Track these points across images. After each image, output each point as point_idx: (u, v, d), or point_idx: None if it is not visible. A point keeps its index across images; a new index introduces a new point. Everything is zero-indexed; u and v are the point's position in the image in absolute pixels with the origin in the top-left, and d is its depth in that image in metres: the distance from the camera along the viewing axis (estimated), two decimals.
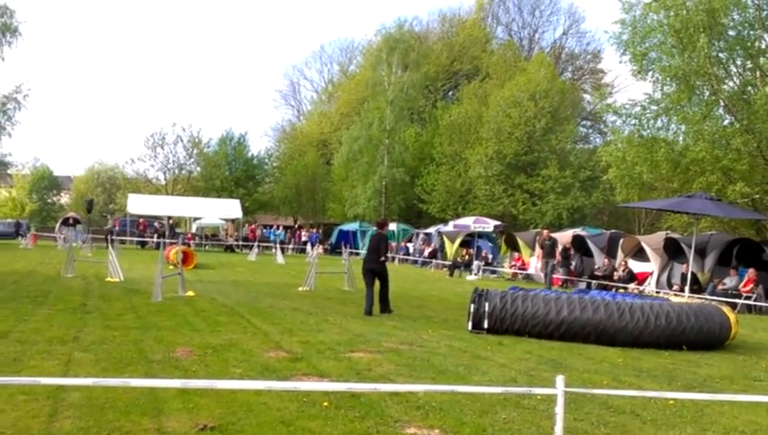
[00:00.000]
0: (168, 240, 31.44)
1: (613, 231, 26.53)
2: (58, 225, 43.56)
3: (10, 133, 40.09)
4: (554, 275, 22.42)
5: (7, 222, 50.20)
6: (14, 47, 39.40)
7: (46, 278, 16.06)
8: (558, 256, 22.74)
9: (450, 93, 55.48)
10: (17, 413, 4.98)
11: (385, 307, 12.37)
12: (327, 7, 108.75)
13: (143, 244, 38.61)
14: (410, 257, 34.93)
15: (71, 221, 42.48)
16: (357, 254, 37.21)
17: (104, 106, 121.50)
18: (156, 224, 41.58)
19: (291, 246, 41.26)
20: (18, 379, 5.15)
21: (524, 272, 26.40)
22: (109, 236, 36.31)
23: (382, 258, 12.75)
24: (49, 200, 70.32)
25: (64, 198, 72.64)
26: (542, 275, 23.70)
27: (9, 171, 48.68)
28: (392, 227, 39.88)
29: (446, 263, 29.51)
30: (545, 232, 23.82)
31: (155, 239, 37.64)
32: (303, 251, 40.08)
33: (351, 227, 43.54)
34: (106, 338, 8.12)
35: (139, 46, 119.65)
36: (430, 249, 33.52)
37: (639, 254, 22.32)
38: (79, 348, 7.44)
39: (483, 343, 9.38)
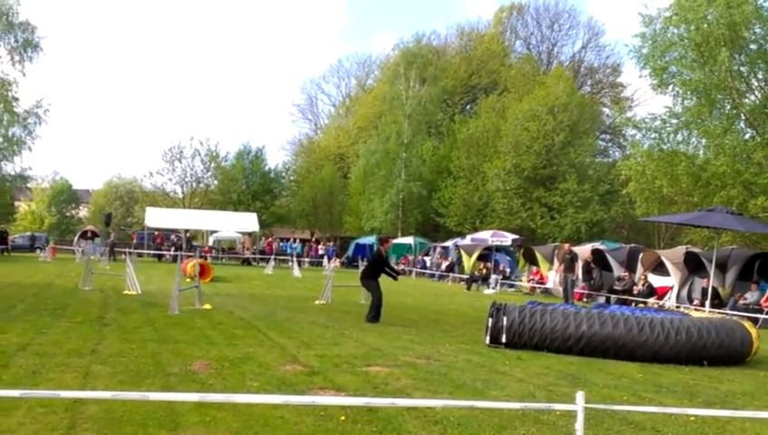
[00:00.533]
0: (185, 253, 31.58)
1: (633, 245, 26.27)
2: (76, 238, 43.90)
3: (30, 147, 40.66)
4: (575, 290, 22.22)
5: (26, 235, 50.85)
6: (35, 62, 40.14)
7: (65, 291, 16.15)
8: (578, 271, 22.53)
9: (468, 107, 55.55)
10: (36, 426, 4.99)
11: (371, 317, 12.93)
12: (345, 21, 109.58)
13: (160, 257, 38.82)
14: (427, 271, 34.84)
15: (89, 234, 42.77)
16: None
17: (123, 120, 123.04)
18: (173, 237, 41.84)
19: (307, 260, 41.28)
20: (38, 392, 5.19)
21: (543, 286, 26.21)
22: (113, 249, 36.62)
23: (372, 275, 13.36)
24: (68, 214, 71.07)
25: (83, 212, 73.39)
26: (560, 289, 23.51)
27: (29, 185, 49.21)
28: (409, 240, 39.88)
29: (464, 277, 29.39)
30: (566, 246, 23.64)
31: (172, 252, 37.86)
32: (320, 264, 40.11)
33: (368, 240, 43.46)
34: (124, 351, 8.14)
35: (157, 61, 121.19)
36: (447, 263, 33.42)
37: (659, 268, 22.07)
38: (97, 361, 7.46)
39: (501, 358, 9.29)
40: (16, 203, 59.84)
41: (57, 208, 69.35)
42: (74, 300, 14.02)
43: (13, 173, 41.56)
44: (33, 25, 40.00)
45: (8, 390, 5.40)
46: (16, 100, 39.33)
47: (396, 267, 17.58)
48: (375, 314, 12.92)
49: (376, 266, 13.46)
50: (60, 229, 65.21)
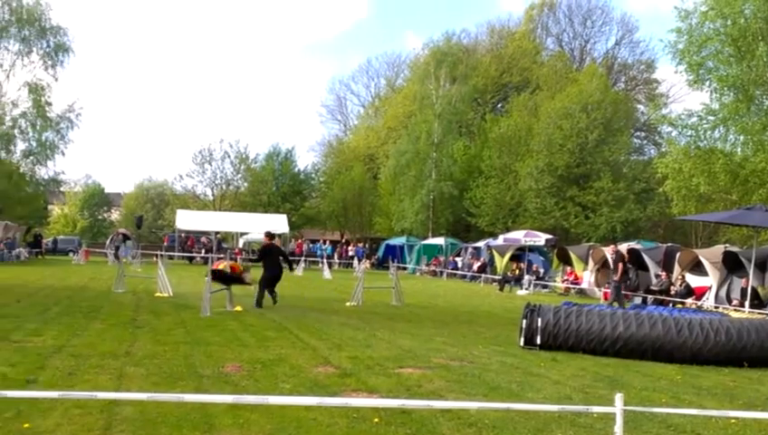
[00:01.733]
0: (215, 255, 31.77)
1: (669, 244, 25.80)
2: (108, 241, 44.47)
3: (63, 151, 41.36)
4: (604, 290, 21.83)
5: (60, 238, 51.82)
6: (66, 66, 40.89)
7: (98, 293, 16.38)
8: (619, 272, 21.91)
9: (499, 105, 55.21)
10: (73, 427, 5.04)
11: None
12: (373, 22, 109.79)
13: (191, 259, 39.17)
14: (459, 272, 34.67)
15: (121, 237, 43.26)
16: (404, 268, 37.16)
17: (154, 123, 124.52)
18: (203, 239, 42.18)
19: (337, 261, 41.30)
20: (76, 393, 5.24)
21: (577, 287, 25.88)
22: (115, 251, 36.86)
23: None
24: (100, 217, 71.95)
25: (114, 215, 74.24)
26: (595, 289, 23.17)
27: (62, 189, 50.07)
28: (440, 241, 39.74)
29: (496, 277, 29.16)
30: (612, 247, 23.23)
31: (202, 254, 38.18)
32: (350, 266, 40.16)
33: (399, 241, 43.48)
34: (157, 353, 8.21)
35: (187, 63, 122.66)
36: (479, 263, 33.19)
37: (697, 268, 21.63)
38: (131, 362, 7.53)
39: (536, 360, 9.18)
40: (49, 207, 60.95)
41: (89, 212, 70.35)
42: (107, 302, 14.23)
43: (46, 177, 42.39)
44: (65, 28, 40.84)
45: (46, 391, 5.49)
46: (49, 104, 40.14)
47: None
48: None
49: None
50: (92, 232, 66.01)
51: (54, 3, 62.48)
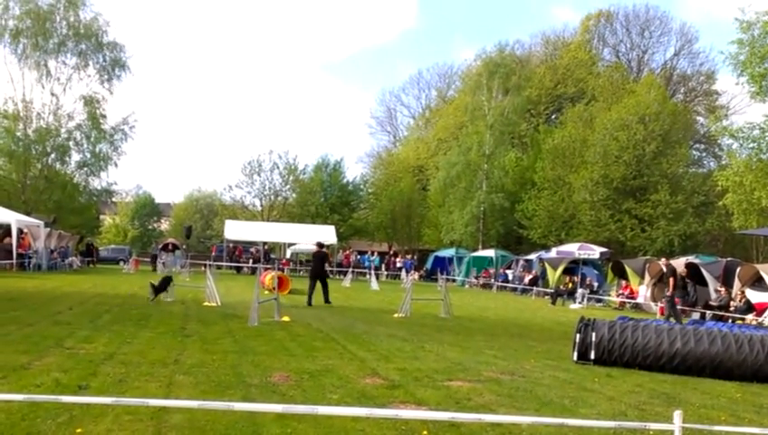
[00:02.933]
0: (263, 265, 32.02)
1: (729, 259, 24.99)
2: (158, 250, 45.23)
3: (116, 163, 42.40)
4: (659, 304, 21.21)
5: (111, 248, 53.16)
6: (122, 80, 41.96)
7: (147, 302, 16.62)
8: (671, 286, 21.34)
9: (553, 116, 54.51)
10: (123, 433, 5.09)
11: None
12: (426, 33, 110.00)
13: (238, 269, 39.63)
14: (509, 284, 34.23)
15: (170, 247, 43.97)
16: (453, 280, 36.88)
17: (204, 135, 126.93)
18: (252, 250, 42.61)
19: (385, 272, 41.22)
20: (128, 399, 5.29)
21: (633, 301, 25.24)
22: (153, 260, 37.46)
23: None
24: (150, 227, 73.43)
25: (164, 225, 75.59)
26: (651, 304, 22.57)
27: (113, 199, 51.35)
28: (490, 253, 39.33)
29: (548, 290, 28.69)
30: (664, 260, 22.66)
31: (250, 265, 38.55)
32: (397, 277, 40.05)
33: (448, 253, 43.19)
34: (205, 362, 8.25)
35: (237, 74, 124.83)
36: (531, 276, 32.72)
37: (758, 283, 20.88)
38: (179, 371, 7.58)
39: (590, 375, 8.93)
40: (101, 217, 62.52)
41: (140, 222, 71.83)
42: (157, 311, 14.42)
43: (99, 188, 43.50)
44: (122, 44, 41.99)
45: (99, 397, 5.56)
46: (104, 117, 41.21)
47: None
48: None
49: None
50: (142, 242, 67.28)
51: (112, 20, 64.19)
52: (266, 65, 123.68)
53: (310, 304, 17.30)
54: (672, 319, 16.70)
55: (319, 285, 18.15)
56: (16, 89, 39.05)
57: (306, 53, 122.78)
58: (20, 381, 6.66)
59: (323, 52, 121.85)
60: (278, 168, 54.09)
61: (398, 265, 42.82)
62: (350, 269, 36.18)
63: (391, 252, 46.80)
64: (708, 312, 20.63)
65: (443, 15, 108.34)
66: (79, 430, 5.05)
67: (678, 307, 21.69)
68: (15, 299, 15.44)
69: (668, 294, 17.95)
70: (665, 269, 20.38)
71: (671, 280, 18.09)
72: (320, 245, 19.49)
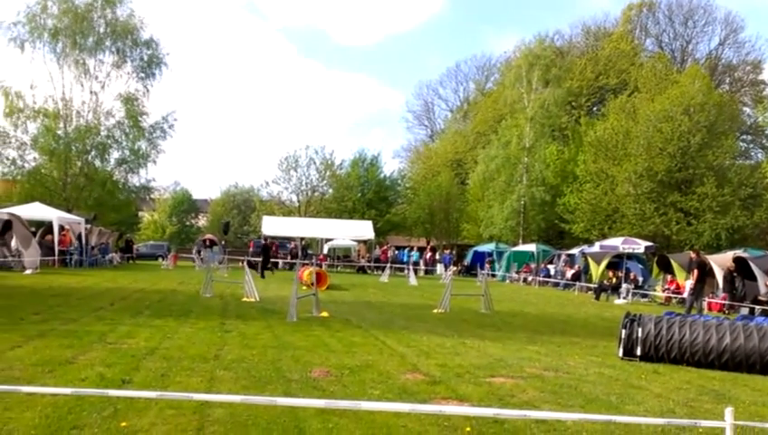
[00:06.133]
0: (300, 261, 32.00)
1: None
2: (196, 246, 45.71)
3: (155, 160, 42.68)
4: (705, 300, 20.66)
5: (150, 244, 53.94)
6: (159, 78, 42.38)
7: (187, 298, 16.81)
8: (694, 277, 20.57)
9: (595, 108, 53.64)
10: (167, 427, 5.14)
11: None
12: (463, 25, 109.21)
13: (276, 265, 39.81)
14: (551, 279, 33.80)
15: (208, 243, 44.24)
16: (493, 276, 36.58)
17: (241, 131, 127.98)
18: (289, 245, 42.84)
19: (423, 268, 41.04)
20: (172, 393, 5.34)
21: (679, 296, 24.66)
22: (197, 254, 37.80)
23: None
24: (187, 223, 74.34)
25: (202, 221, 76.32)
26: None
27: (152, 196, 51.87)
28: (531, 247, 38.89)
29: (592, 286, 28.22)
30: (691, 251, 22.04)
31: (288, 260, 38.67)
32: (431, 272, 39.81)
33: (487, 247, 42.82)
34: (245, 357, 8.30)
35: (274, 70, 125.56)
36: (573, 271, 32.21)
37: None
38: (220, 366, 7.64)
39: (636, 371, 8.74)
40: (140, 213, 63.45)
41: (178, 218, 72.69)
42: (196, 306, 14.58)
43: (138, 184, 43.87)
44: (157, 42, 42.39)
45: (143, 391, 5.63)
46: (142, 114, 41.67)
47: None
48: None
49: None
50: (180, 238, 68.06)
51: (148, 17, 64.99)
52: (303, 59, 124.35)
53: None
54: (694, 310, 16.70)
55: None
56: (56, 87, 39.50)
57: (343, 47, 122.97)
58: (66, 375, 6.78)
59: (360, 46, 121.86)
60: (315, 163, 54.22)
61: (427, 257, 42.23)
62: (388, 265, 36.08)
63: (429, 247, 46.44)
64: (757, 307, 20.07)
65: (472, 3, 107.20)
66: (123, 424, 5.11)
67: (725, 302, 21.21)
68: (58, 295, 15.76)
69: (691, 286, 17.83)
70: (692, 261, 19.87)
71: (695, 272, 17.93)
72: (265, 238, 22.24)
